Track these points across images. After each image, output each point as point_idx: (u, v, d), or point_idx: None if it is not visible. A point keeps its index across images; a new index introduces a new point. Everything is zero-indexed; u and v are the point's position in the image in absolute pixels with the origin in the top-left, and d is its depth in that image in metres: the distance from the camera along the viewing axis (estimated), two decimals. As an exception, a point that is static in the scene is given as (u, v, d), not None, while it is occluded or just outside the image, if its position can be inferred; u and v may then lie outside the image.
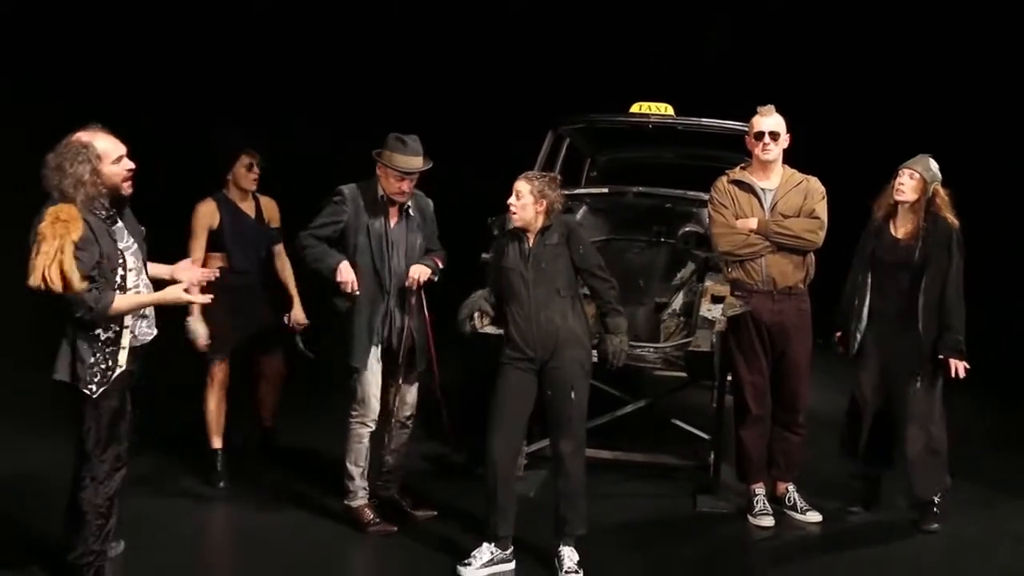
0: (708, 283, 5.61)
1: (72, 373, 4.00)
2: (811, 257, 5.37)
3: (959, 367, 5.10)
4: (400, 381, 5.11)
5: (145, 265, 4.25)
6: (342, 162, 5.88)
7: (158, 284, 4.31)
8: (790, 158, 5.42)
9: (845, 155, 8.59)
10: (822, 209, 5.29)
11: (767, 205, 5.31)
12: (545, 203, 4.62)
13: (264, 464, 6.02)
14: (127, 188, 4.10)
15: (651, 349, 5.68)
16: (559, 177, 4.89)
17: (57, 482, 4.39)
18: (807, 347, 5.40)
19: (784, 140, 5.31)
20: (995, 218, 8.82)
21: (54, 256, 3.82)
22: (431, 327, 5.12)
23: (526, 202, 4.61)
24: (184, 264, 4.36)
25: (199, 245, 5.59)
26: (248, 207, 5.78)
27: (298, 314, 5.87)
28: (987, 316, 5.23)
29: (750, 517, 5.38)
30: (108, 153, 4.01)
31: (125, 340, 4.05)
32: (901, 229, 5.27)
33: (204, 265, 5.55)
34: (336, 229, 4.97)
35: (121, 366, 4.05)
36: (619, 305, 4.81)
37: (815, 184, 5.34)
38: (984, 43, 9.69)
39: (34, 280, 3.83)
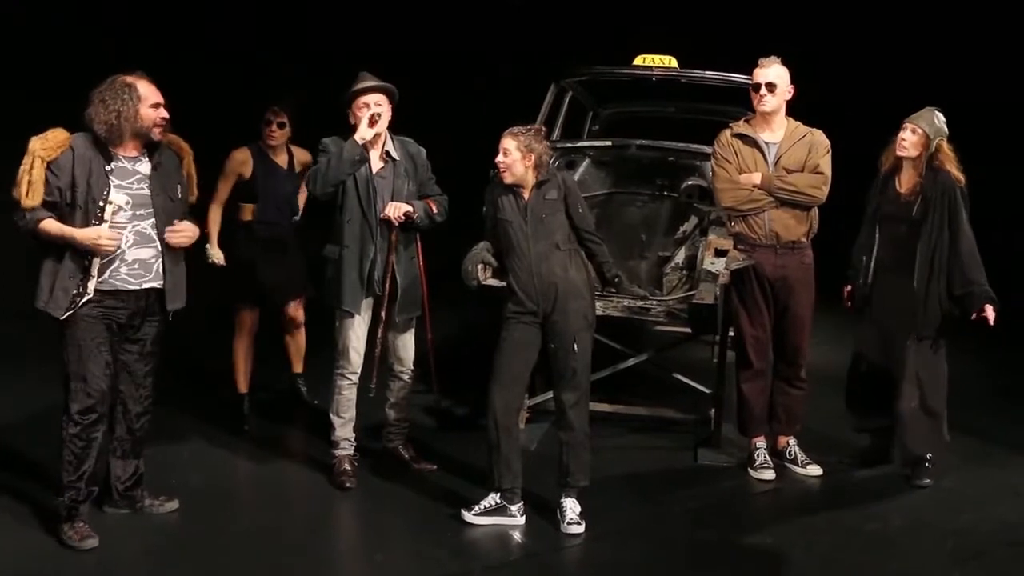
0: (711, 236, 5.59)
1: (44, 298, 4.25)
2: (814, 211, 5.34)
3: (991, 312, 5.02)
4: (392, 331, 5.13)
5: (163, 218, 4.38)
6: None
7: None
8: (796, 111, 5.36)
9: (855, 107, 8.51)
10: (826, 164, 5.25)
11: (771, 159, 5.27)
12: (533, 156, 4.61)
13: (288, 411, 6.17)
14: (157, 134, 4.35)
15: (654, 302, 5.67)
16: (544, 129, 4.89)
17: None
18: (810, 301, 5.39)
19: (785, 92, 5.24)
20: (1002, 174, 8.77)
21: (28, 168, 4.14)
22: (425, 274, 5.14)
23: (515, 158, 4.60)
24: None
25: (226, 188, 5.76)
26: (282, 159, 5.92)
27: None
28: (992, 269, 5.19)
29: (751, 470, 5.40)
30: (147, 97, 4.29)
31: (94, 270, 4.24)
32: (905, 184, 5.23)
33: (236, 215, 5.81)
34: None
35: (89, 294, 4.24)
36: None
37: (819, 137, 5.30)
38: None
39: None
